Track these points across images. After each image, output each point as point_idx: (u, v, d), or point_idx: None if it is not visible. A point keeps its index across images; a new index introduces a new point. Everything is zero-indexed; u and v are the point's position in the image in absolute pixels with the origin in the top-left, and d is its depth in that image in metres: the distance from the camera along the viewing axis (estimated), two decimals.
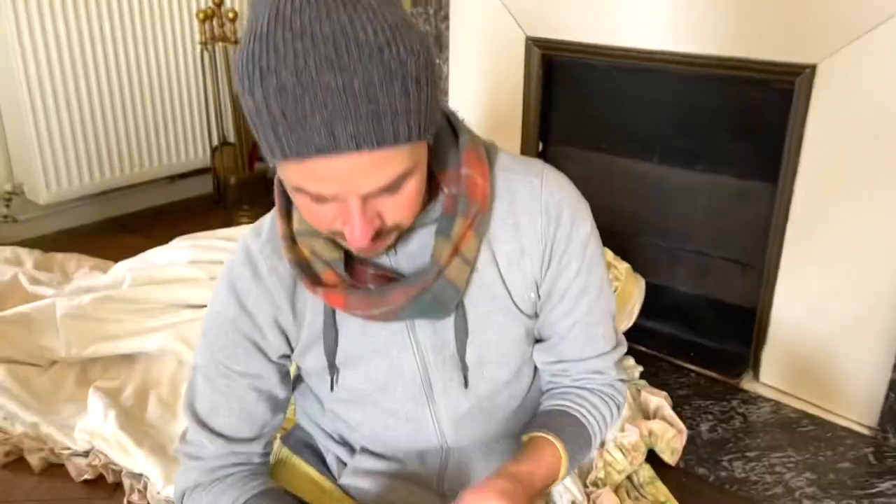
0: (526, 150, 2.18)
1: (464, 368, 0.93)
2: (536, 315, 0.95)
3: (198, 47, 2.76)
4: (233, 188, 2.89)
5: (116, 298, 1.86)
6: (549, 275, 0.92)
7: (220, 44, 2.72)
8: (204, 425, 0.94)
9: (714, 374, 1.88)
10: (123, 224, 2.85)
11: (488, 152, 0.90)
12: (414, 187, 0.75)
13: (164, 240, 2.28)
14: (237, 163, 2.90)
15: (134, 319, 1.84)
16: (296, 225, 0.86)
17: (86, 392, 1.71)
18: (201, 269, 1.94)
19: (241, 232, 2.14)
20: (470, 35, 2.19)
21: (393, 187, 0.72)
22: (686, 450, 1.59)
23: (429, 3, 2.20)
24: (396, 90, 0.66)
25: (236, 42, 2.73)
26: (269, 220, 0.91)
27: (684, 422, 1.64)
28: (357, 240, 0.74)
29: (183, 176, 3.00)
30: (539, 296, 0.93)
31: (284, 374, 0.97)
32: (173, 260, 2.01)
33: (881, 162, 1.54)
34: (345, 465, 1.04)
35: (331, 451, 1.07)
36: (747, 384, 1.85)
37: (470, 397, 0.95)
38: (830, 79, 1.56)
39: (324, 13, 0.64)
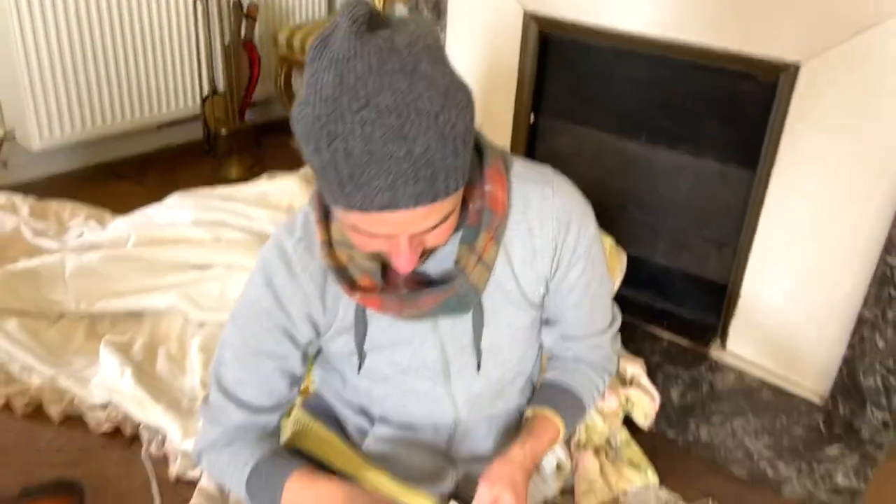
0: (518, 121, 2.25)
1: (478, 355, 1.05)
2: (542, 305, 1.07)
3: None
4: (224, 139, 2.92)
5: (124, 257, 1.93)
6: (559, 274, 1.04)
7: None
8: (230, 395, 1.04)
9: (685, 343, 2.02)
10: (114, 170, 2.87)
11: (504, 162, 1.00)
12: (454, 219, 0.85)
13: (155, 187, 2.31)
14: (227, 113, 2.91)
15: (140, 277, 1.91)
16: (334, 234, 0.94)
17: (95, 345, 1.80)
18: (205, 230, 2.01)
19: (241, 192, 2.23)
20: (469, 3, 2.22)
21: (437, 225, 0.82)
22: (658, 414, 1.74)
23: None
24: (449, 152, 0.76)
25: None
26: (302, 219, 0.99)
27: (657, 388, 1.80)
28: (403, 268, 0.84)
29: (172, 124, 3.01)
30: (548, 290, 1.05)
31: (305, 355, 1.07)
32: (176, 220, 2.07)
33: (854, 161, 1.66)
34: (364, 433, 1.16)
35: (351, 419, 1.18)
36: (715, 353, 2.00)
37: (482, 379, 1.08)
38: (814, 78, 1.66)
39: (386, 82, 0.72)
